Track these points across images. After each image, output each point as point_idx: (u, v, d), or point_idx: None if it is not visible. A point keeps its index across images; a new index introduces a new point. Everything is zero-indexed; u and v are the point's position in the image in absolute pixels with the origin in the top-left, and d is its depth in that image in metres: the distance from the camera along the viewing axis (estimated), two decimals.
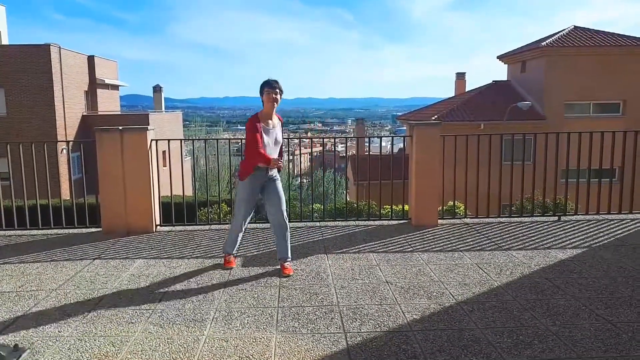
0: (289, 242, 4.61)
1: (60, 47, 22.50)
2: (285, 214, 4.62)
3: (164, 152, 7.49)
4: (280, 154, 4.68)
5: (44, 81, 21.82)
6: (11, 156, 6.10)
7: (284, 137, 4.87)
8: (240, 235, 4.76)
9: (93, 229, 6.16)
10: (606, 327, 3.32)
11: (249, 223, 4.86)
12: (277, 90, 4.44)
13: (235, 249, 4.81)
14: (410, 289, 4.08)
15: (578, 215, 6.51)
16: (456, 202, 6.81)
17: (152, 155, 6.01)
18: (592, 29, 25.57)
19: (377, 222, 6.38)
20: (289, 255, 4.60)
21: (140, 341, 3.23)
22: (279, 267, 4.61)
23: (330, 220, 6.54)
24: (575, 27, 25.74)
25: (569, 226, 5.99)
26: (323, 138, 7.84)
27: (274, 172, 4.60)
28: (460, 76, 31.62)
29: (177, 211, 6.42)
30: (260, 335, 3.30)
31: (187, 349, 3.13)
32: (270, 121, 4.51)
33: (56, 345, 3.20)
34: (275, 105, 4.47)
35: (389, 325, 3.42)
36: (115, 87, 29.21)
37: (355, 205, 8.97)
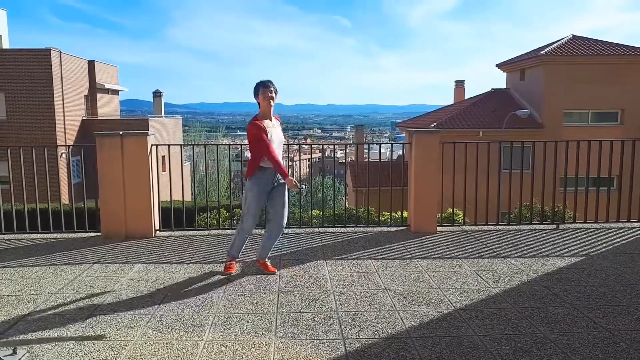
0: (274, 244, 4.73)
1: (60, 52, 22.54)
2: (285, 218, 4.64)
3: (163, 157, 7.51)
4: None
5: (44, 85, 21.86)
6: (11, 160, 6.12)
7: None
8: (247, 239, 4.79)
9: (92, 234, 6.17)
10: (604, 335, 3.33)
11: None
12: (272, 89, 4.41)
13: (240, 253, 4.81)
14: (409, 295, 4.09)
15: (576, 223, 6.53)
16: (455, 209, 6.83)
17: (152, 160, 6.03)
18: (590, 38, 25.73)
19: (376, 229, 6.39)
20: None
21: (139, 346, 3.24)
22: (278, 273, 4.66)
23: (329, 227, 6.55)
24: (574, 36, 25.90)
25: (567, 234, 6.01)
26: (322, 144, 7.86)
27: (280, 177, 4.52)
28: (460, 84, 31.75)
29: (176, 216, 6.44)
30: (259, 341, 3.30)
31: (185, 354, 3.13)
32: (269, 121, 4.48)
33: (55, 349, 3.20)
34: (272, 103, 4.44)
35: (387, 331, 3.43)
36: (115, 91, 29.25)
37: (354, 211, 8.98)
